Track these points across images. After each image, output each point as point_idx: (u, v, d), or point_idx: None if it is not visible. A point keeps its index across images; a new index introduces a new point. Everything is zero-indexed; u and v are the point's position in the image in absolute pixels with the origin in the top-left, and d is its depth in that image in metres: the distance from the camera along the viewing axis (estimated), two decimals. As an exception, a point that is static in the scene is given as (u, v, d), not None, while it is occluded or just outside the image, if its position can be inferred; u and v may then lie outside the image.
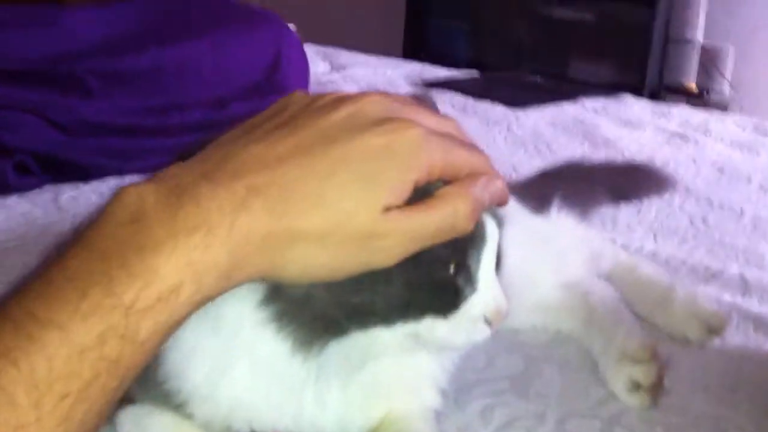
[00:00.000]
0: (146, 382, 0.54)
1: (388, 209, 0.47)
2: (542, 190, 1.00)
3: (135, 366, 0.43)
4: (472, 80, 1.94)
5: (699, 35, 3.14)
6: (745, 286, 0.93)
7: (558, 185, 1.06)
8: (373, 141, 0.47)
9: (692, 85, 3.14)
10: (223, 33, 1.19)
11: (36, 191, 0.99)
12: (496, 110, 1.66)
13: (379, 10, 3.69)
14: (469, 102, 1.71)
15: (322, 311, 0.50)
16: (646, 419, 0.67)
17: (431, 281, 0.51)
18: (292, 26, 2.05)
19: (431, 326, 0.52)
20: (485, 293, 0.54)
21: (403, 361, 0.57)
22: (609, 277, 0.88)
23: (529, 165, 1.29)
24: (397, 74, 1.92)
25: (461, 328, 0.53)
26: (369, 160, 0.47)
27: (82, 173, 1.03)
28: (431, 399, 0.61)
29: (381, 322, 0.51)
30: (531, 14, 3.45)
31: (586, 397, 0.70)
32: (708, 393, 0.72)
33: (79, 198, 0.98)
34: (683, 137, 1.55)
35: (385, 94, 0.53)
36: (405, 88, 1.81)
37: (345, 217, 0.46)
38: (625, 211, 1.13)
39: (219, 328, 0.52)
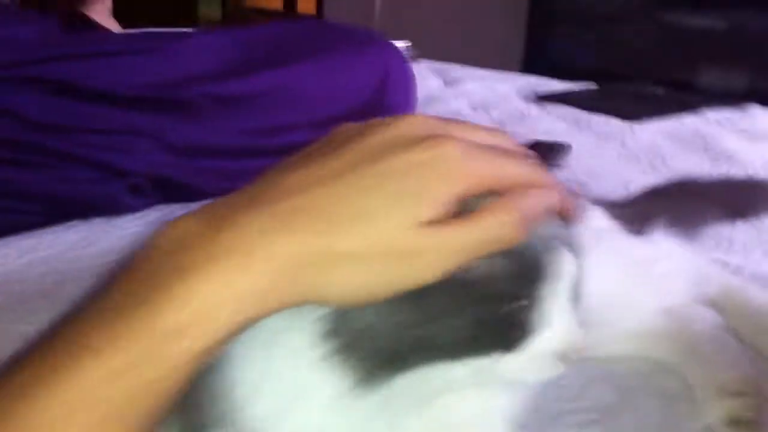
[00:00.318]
0: (214, 412, 0.55)
1: (429, 224, 0.46)
2: (648, 209, 0.96)
3: (172, 388, 0.44)
4: (588, 93, 1.89)
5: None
6: None
7: (666, 204, 1.02)
8: (413, 157, 0.47)
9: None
10: (329, 57, 1.21)
11: (147, 211, 1.04)
12: (611, 123, 1.61)
13: (500, 22, 3.66)
14: (583, 115, 1.67)
15: (385, 344, 0.49)
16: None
17: (499, 315, 0.49)
18: (404, 44, 2.08)
19: (499, 362, 0.51)
20: (558, 329, 0.52)
21: (476, 396, 0.55)
22: (715, 303, 0.84)
23: (642, 181, 1.24)
24: (510, 88, 1.90)
25: (531, 365, 0.52)
26: (408, 175, 0.46)
27: (192, 193, 1.06)
28: None
29: (446, 356, 0.50)
30: (659, 22, 3.34)
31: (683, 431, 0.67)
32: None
33: (188, 218, 1.01)
34: (813, 151, 1.46)
35: (429, 116, 0.52)
36: (517, 103, 1.79)
37: (385, 233, 0.46)
38: (743, 231, 1.07)
39: (283, 362, 0.51)
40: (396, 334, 0.49)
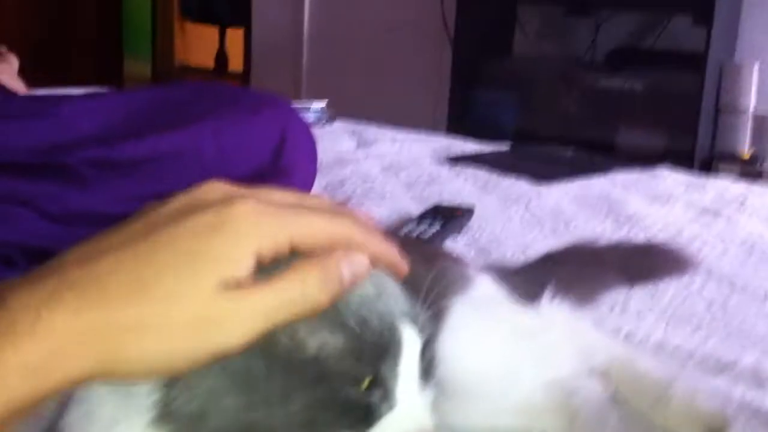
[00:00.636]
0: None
1: (227, 288, 0.44)
2: (540, 275, 0.95)
3: None
4: (500, 154, 1.90)
5: (751, 103, 3.05)
6: (758, 379, 0.85)
7: (560, 269, 1.02)
8: (201, 220, 0.45)
9: (745, 153, 3.04)
10: (224, 119, 1.18)
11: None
12: (518, 186, 1.62)
13: (427, 83, 3.70)
14: (492, 178, 1.67)
15: (218, 429, 0.46)
16: None
17: (339, 399, 0.47)
18: (320, 104, 2.07)
19: None
20: (404, 410, 0.49)
21: None
22: (604, 373, 0.82)
23: (542, 245, 1.24)
24: (424, 149, 1.91)
25: None
26: (195, 238, 0.44)
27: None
28: None
29: None
30: (578, 84, 3.42)
31: None
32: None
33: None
34: (716, 213, 1.48)
35: (228, 182, 0.50)
36: (428, 165, 1.79)
37: (171, 300, 0.43)
38: (639, 295, 1.06)
39: None
40: (228, 419, 0.46)
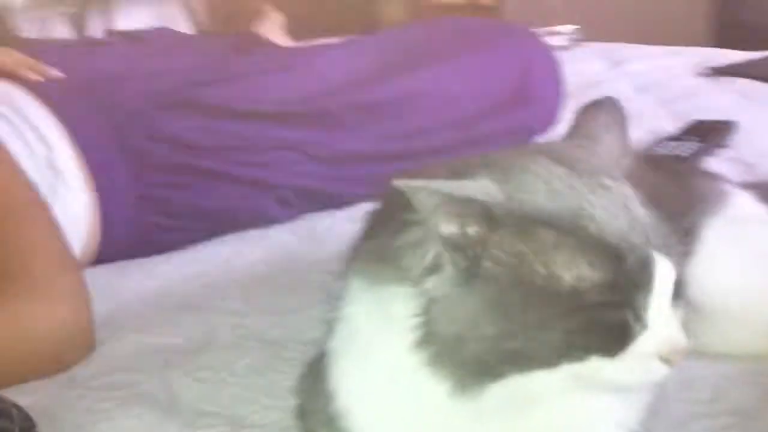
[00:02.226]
0: (323, 418, 0.58)
1: None
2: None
3: None
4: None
5: None
6: None
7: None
8: None
9: None
10: (466, 56, 1.21)
11: (295, 221, 1.09)
12: (793, 95, 1.49)
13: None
14: (760, 88, 1.55)
15: (474, 355, 0.49)
16: None
17: (594, 326, 0.48)
18: (571, 28, 2.02)
19: (597, 367, 0.49)
20: (658, 330, 0.50)
21: (579, 402, 0.53)
22: None
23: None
24: (681, 64, 1.80)
25: (631, 368, 0.50)
26: None
27: (337, 201, 1.10)
28: None
29: (541, 365, 0.49)
30: None
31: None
32: None
33: (334, 227, 1.06)
34: None
35: None
36: (686, 79, 1.69)
37: None
38: None
39: (379, 370, 0.53)
40: (484, 346, 0.49)
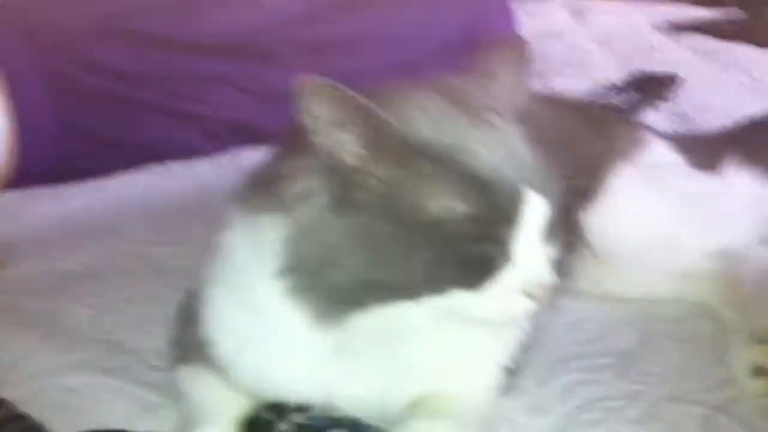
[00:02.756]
0: (193, 344, 0.57)
1: None
2: (739, 142, 0.87)
3: None
4: (731, 22, 1.72)
5: None
6: None
7: (761, 138, 0.92)
8: None
9: None
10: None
11: (221, 155, 1.06)
12: (747, 53, 1.47)
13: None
14: (717, 45, 1.53)
15: (339, 285, 0.49)
16: (764, 410, 0.57)
17: (458, 257, 0.48)
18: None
19: (461, 300, 0.49)
20: (524, 266, 0.49)
21: (450, 339, 0.53)
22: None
23: (756, 112, 1.13)
24: (643, 19, 1.77)
25: (496, 302, 0.49)
26: None
27: (267, 137, 1.09)
28: (487, 377, 0.57)
29: (405, 296, 0.49)
30: None
31: (703, 379, 0.62)
32: None
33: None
34: None
35: None
36: (647, 34, 1.67)
37: None
38: None
39: (244, 298, 0.53)
40: (347, 276, 0.49)
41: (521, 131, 0.52)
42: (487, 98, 0.54)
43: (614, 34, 1.68)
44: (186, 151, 1.06)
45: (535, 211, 0.49)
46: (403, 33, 1.20)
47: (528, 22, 1.68)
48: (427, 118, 0.49)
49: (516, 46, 0.60)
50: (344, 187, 0.48)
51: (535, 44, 1.58)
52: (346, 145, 0.47)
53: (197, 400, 0.56)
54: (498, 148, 0.50)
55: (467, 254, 0.48)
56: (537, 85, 1.31)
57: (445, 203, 0.48)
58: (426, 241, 0.47)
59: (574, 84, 1.33)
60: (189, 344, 0.59)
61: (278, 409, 0.54)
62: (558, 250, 0.52)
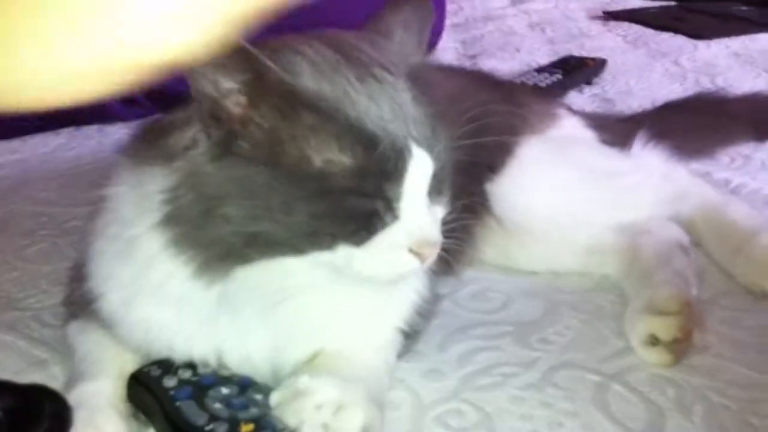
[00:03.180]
0: (82, 300, 0.56)
1: None
2: (653, 123, 0.88)
3: None
4: (662, 10, 1.76)
5: None
6: None
7: (676, 118, 0.94)
8: None
9: None
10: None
11: (138, 121, 1.04)
12: (673, 41, 1.50)
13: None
14: (647, 33, 1.56)
15: (220, 237, 0.48)
16: (658, 378, 0.58)
17: (340, 211, 0.47)
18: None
19: (346, 256, 0.48)
20: (409, 222, 0.48)
21: (340, 297, 0.52)
22: (691, 220, 0.77)
23: (676, 97, 1.15)
24: (579, 6, 1.80)
25: (381, 259, 0.49)
26: None
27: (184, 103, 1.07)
28: (380, 338, 0.56)
29: (288, 251, 0.48)
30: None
31: (601, 349, 0.62)
32: (761, 356, 0.60)
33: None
34: None
35: None
36: (581, 21, 1.69)
37: None
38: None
39: (129, 251, 0.51)
40: (230, 228, 0.47)
41: (412, 89, 0.51)
42: (378, 54, 0.52)
43: (549, 20, 1.71)
44: (102, 116, 1.03)
45: (420, 168, 0.49)
46: (323, 7, 1.19)
47: (467, 5, 1.69)
48: (314, 69, 0.48)
49: (421, 8, 0.59)
50: (226, 136, 0.47)
51: (471, 27, 1.60)
52: (228, 92, 0.46)
53: (83, 354, 0.55)
54: (384, 103, 0.49)
55: (352, 209, 0.47)
56: (468, 66, 1.32)
57: (329, 155, 0.46)
58: (310, 195, 0.46)
59: (505, 66, 1.34)
60: (79, 300, 0.57)
61: (166, 366, 0.53)
62: (445, 208, 0.52)
